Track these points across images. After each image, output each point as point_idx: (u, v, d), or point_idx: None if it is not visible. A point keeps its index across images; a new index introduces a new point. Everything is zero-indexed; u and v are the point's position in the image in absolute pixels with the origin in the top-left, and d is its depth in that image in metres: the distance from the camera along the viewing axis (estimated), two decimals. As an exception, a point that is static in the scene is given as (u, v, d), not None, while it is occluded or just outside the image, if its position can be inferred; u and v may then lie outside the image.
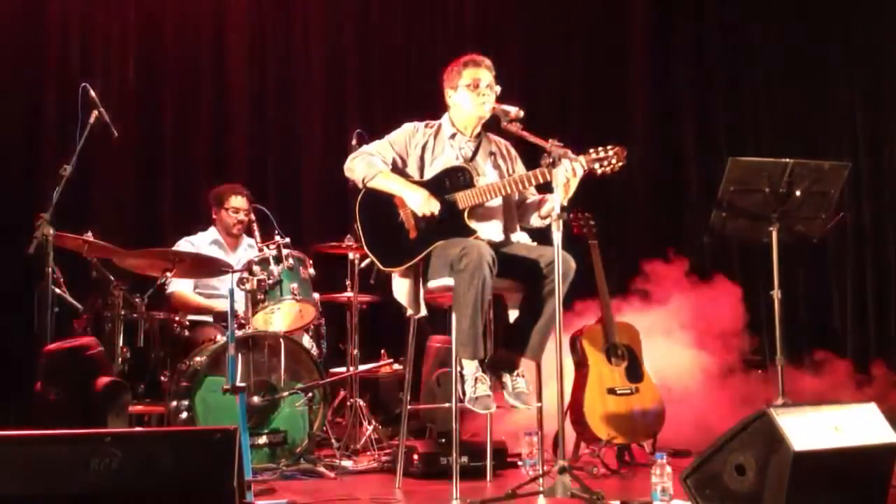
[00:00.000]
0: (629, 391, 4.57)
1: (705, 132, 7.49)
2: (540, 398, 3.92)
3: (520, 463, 4.37)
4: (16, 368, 5.56)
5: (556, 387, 3.44)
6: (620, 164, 3.67)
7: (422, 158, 3.97)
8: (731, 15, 7.55)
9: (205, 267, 4.83)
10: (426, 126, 4.04)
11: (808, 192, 4.51)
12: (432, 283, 3.82)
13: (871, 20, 7.13)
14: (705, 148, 7.43)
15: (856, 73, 7.23)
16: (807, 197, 4.52)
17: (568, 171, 3.57)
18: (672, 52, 7.59)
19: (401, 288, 3.91)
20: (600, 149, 3.68)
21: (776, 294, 4.54)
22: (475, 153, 4.01)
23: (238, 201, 5.33)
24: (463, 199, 3.83)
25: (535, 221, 4.04)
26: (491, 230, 3.94)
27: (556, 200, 3.53)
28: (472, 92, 3.92)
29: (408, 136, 4.01)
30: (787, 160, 4.46)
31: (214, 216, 5.39)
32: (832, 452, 2.95)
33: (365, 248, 3.91)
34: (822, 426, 2.98)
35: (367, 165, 3.90)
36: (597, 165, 3.65)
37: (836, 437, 2.99)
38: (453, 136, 4.00)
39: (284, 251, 4.69)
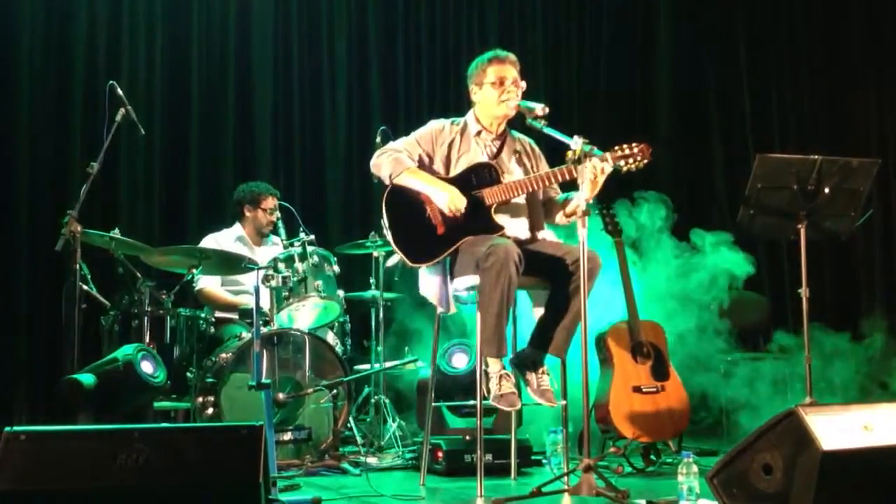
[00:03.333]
0: (655, 389, 4.54)
1: (731, 130, 7.45)
2: (565, 396, 3.91)
3: (544, 461, 4.36)
4: (44, 365, 5.63)
5: (582, 385, 3.42)
6: (645, 161, 3.65)
7: (448, 156, 3.95)
8: (758, 11, 7.50)
9: (230, 263, 4.85)
10: (452, 123, 4.02)
11: (837, 190, 4.45)
12: (458, 281, 3.81)
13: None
14: (731, 144, 7.39)
15: (884, 71, 7.16)
16: (835, 194, 4.45)
17: (595, 169, 3.55)
18: (698, 51, 7.56)
19: (428, 284, 3.90)
20: (625, 146, 3.66)
21: (804, 292, 4.49)
22: (500, 150, 3.99)
23: (273, 202, 5.37)
24: (490, 195, 3.82)
25: (560, 220, 4.01)
26: (517, 228, 3.92)
27: (582, 197, 3.51)
28: (497, 89, 3.90)
29: (434, 133, 4.00)
30: (816, 157, 4.40)
31: (248, 214, 5.40)
32: (862, 452, 2.91)
33: (392, 243, 3.88)
34: (851, 425, 2.93)
35: (394, 162, 3.88)
36: (622, 163, 3.64)
37: (865, 437, 2.94)
38: (479, 133, 3.99)
39: (309, 248, 4.70)
